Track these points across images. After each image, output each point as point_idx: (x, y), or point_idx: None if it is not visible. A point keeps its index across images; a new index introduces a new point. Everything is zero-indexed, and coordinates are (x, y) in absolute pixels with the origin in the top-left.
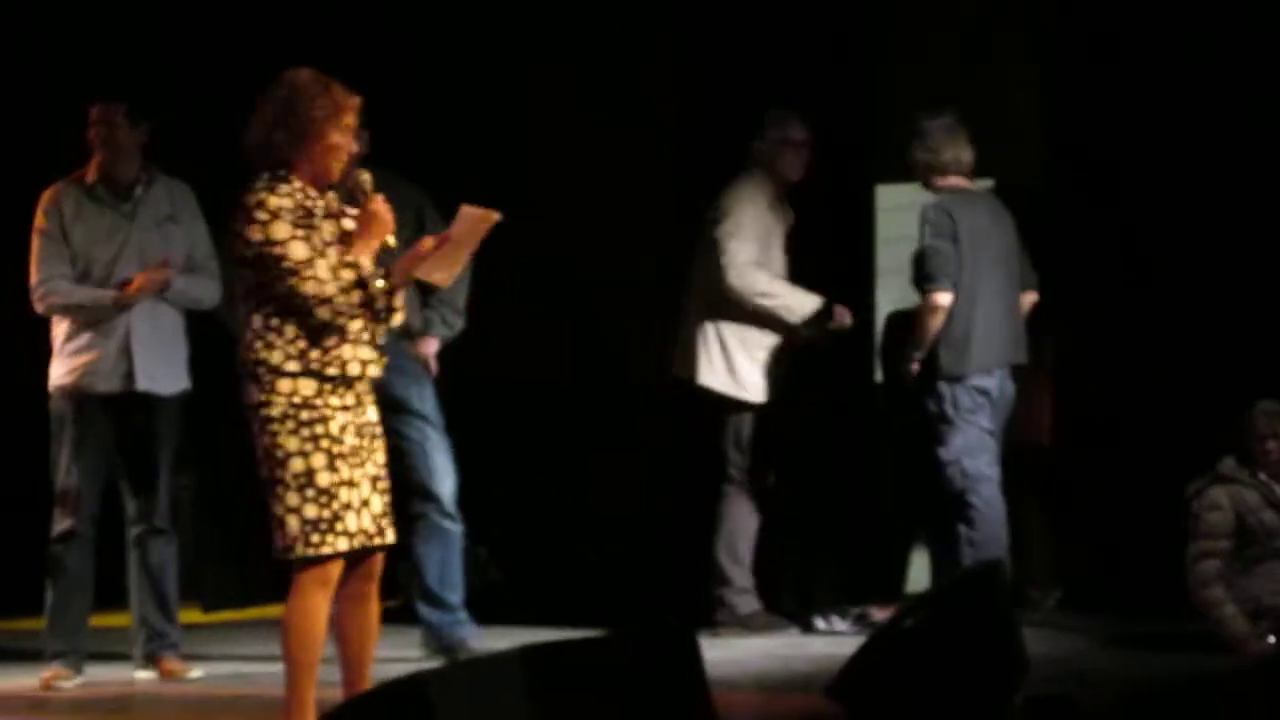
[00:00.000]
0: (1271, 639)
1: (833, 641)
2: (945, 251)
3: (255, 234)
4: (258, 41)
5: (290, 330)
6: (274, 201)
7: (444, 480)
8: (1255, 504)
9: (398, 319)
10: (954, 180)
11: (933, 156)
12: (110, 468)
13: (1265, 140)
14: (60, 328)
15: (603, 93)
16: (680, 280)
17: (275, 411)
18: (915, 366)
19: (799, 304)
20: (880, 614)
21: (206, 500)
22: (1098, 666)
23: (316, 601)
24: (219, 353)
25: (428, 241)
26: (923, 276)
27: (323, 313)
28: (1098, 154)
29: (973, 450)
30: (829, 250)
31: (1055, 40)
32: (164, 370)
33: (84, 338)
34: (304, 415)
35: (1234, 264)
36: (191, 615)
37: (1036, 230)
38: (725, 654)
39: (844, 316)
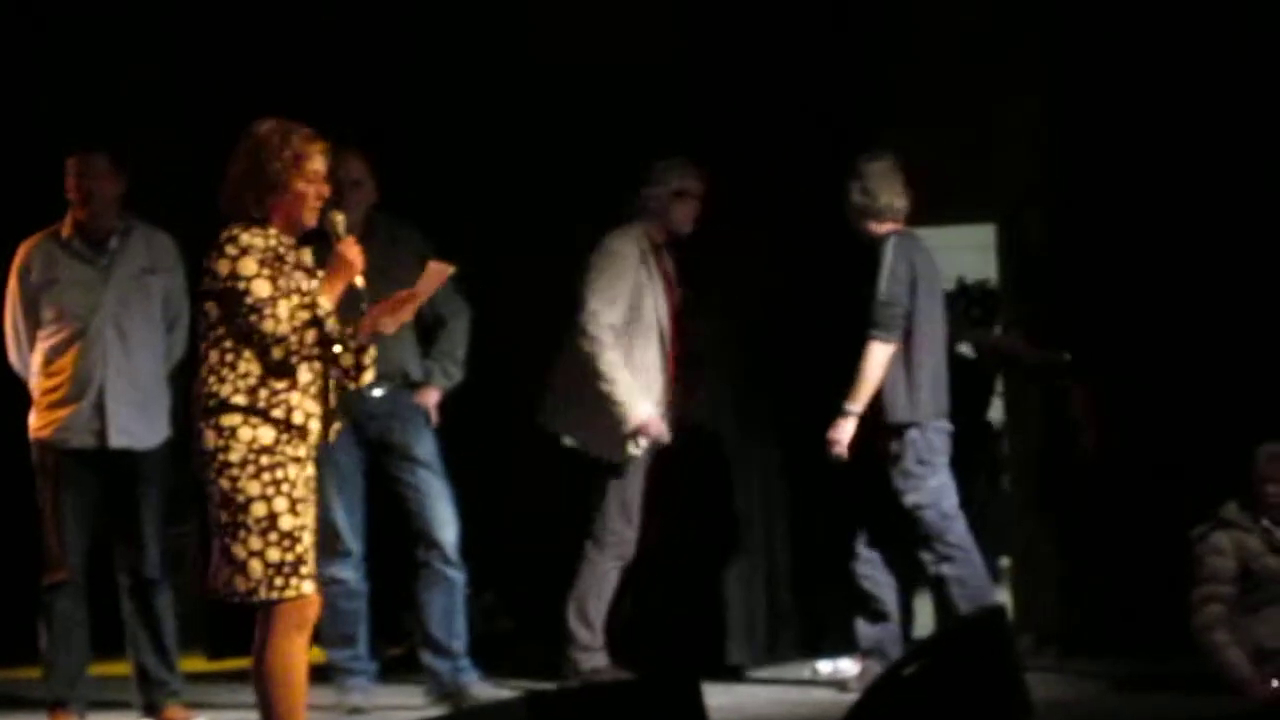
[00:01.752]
0: (1276, 682)
1: (837, 687)
2: (902, 301)
3: (223, 267)
4: (249, 83)
5: (243, 366)
6: (245, 239)
7: (446, 528)
8: (1258, 549)
9: (367, 378)
10: (891, 225)
11: (869, 200)
12: (95, 517)
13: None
14: (38, 379)
15: (604, 140)
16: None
17: (234, 457)
18: (854, 416)
19: (624, 411)
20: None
21: (209, 547)
22: (1102, 710)
23: (294, 644)
24: None
25: (400, 295)
26: (874, 323)
27: (277, 351)
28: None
29: (946, 491)
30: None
31: (1062, 65)
32: (140, 424)
33: (60, 391)
34: (264, 460)
35: (1250, 300)
36: (196, 663)
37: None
38: (729, 699)
39: (659, 436)
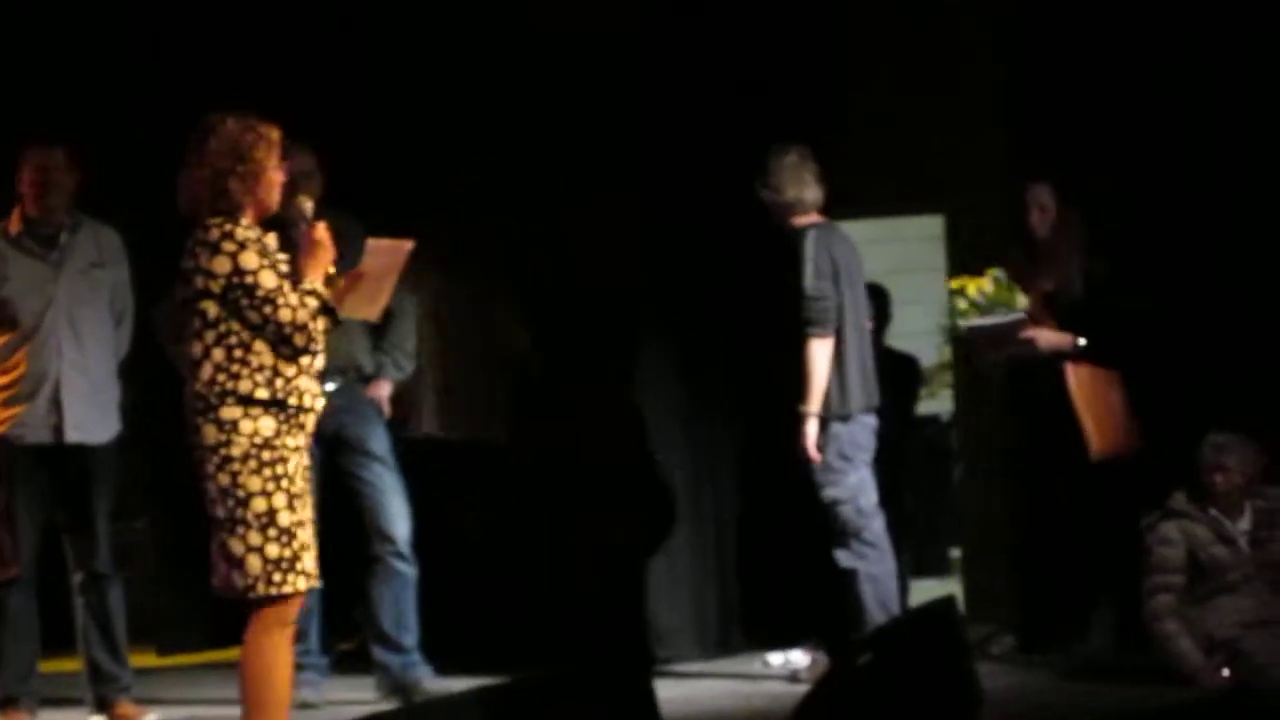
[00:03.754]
0: (1226, 672)
1: (789, 678)
2: (829, 293)
3: (222, 265)
4: (198, 78)
5: (255, 360)
6: (240, 233)
7: (399, 522)
8: (1206, 539)
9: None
10: (809, 218)
11: (776, 196)
12: (47, 514)
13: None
14: None
15: (571, 154)
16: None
17: (236, 451)
18: (812, 416)
19: None
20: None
21: (162, 543)
22: (1053, 700)
23: (278, 640)
24: (169, 394)
25: (339, 282)
26: (808, 320)
27: (298, 339)
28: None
29: (865, 488)
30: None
31: (1009, 65)
32: (94, 419)
33: (13, 388)
34: (265, 455)
35: (1196, 288)
36: (147, 659)
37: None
38: (680, 691)
39: None
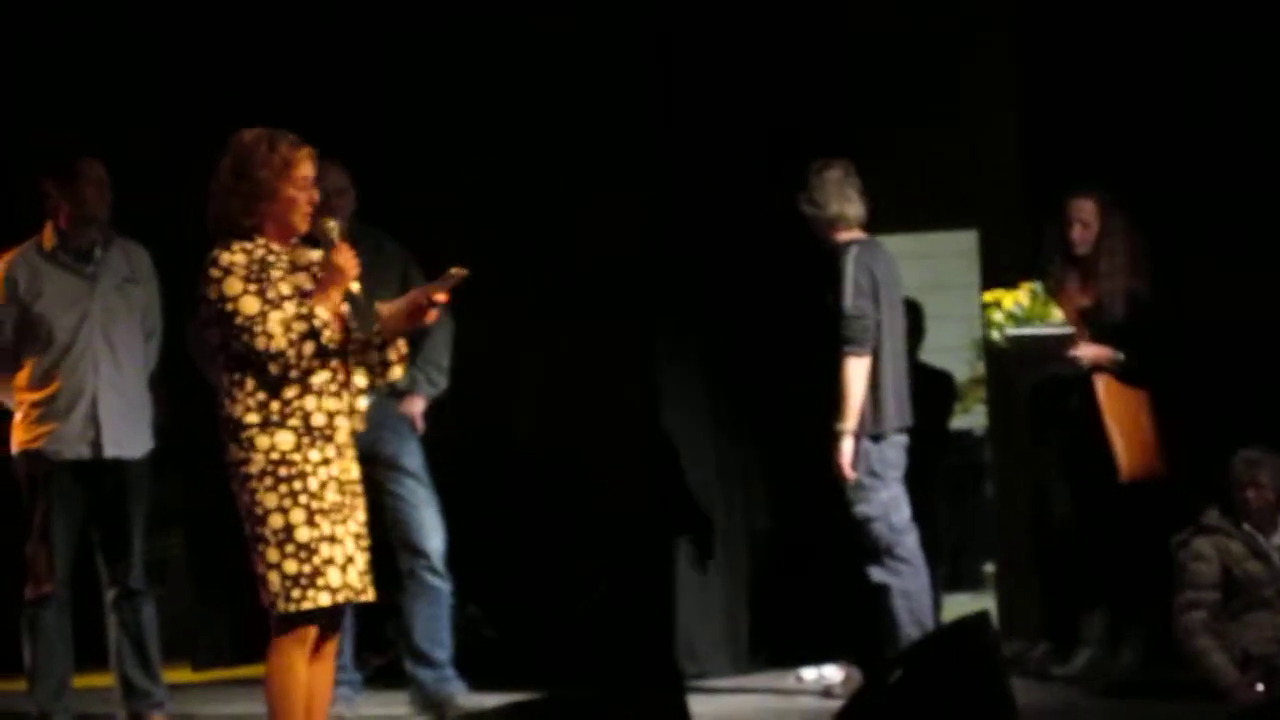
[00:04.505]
0: (1260, 687)
1: (822, 694)
2: (868, 312)
3: (212, 291)
4: (227, 94)
5: (249, 384)
6: (226, 258)
7: (432, 537)
8: (1240, 554)
9: (396, 373)
10: (851, 234)
11: (818, 211)
12: (82, 530)
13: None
14: (23, 392)
15: (582, 155)
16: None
17: (254, 469)
18: (849, 434)
19: None
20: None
21: (196, 558)
22: (1087, 717)
23: (294, 657)
24: (202, 411)
25: (411, 295)
26: (846, 339)
27: (274, 367)
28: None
29: (898, 504)
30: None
31: (1036, 79)
32: (130, 435)
33: (51, 404)
34: (281, 471)
35: (1226, 304)
36: (181, 674)
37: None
38: (713, 707)
39: None
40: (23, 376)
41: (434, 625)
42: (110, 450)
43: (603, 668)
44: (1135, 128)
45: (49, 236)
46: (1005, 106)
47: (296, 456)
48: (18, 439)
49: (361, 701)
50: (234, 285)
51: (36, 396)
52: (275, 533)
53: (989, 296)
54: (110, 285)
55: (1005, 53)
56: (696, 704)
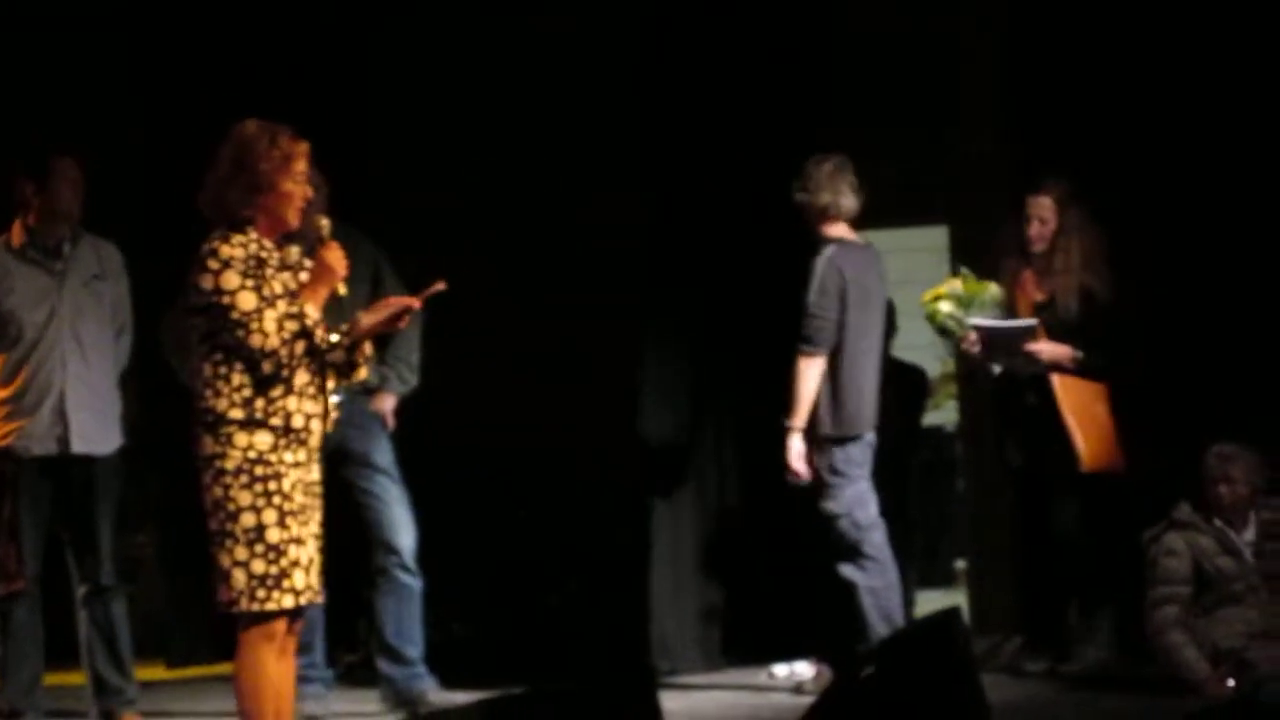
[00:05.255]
0: (1232, 682)
1: (794, 690)
2: (829, 314)
3: (207, 283)
4: (202, 90)
5: (236, 379)
6: (226, 251)
7: (404, 534)
8: (1211, 550)
9: (361, 374)
10: (837, 228)
11: (809, 199)
12: (51, 527)
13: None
14: None
15: (567, 149)
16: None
17: (230, 465)
18: (796, 431)
19: None
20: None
21: (168, 556)
22: (1058, 712)
23: (263, 656)
24: (173, 407)
25: (392, 303)
26: (802, 336)
27: (267, 366)
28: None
29: (863, 501)
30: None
31: (1010, 73)
32: (98, 430)
33: (19, 401)
34: (258, 470)
35: (1200, 299)
36: (155, 672)
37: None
38: (685, 704)
39: None
40: None
41: (405, 622)
42: (78, 446)
43: (575, 665)
44: (1111, 125)
45: (18, 233)
46: (978, 102)
47: (273, 457)
48: None
49: (333, 698)
50: (232, 279)
51: (4, 393)
52: (246, 531)
53: (928, 295)
54: (79, 282)
55: (981, 50)
56: (669, 700)
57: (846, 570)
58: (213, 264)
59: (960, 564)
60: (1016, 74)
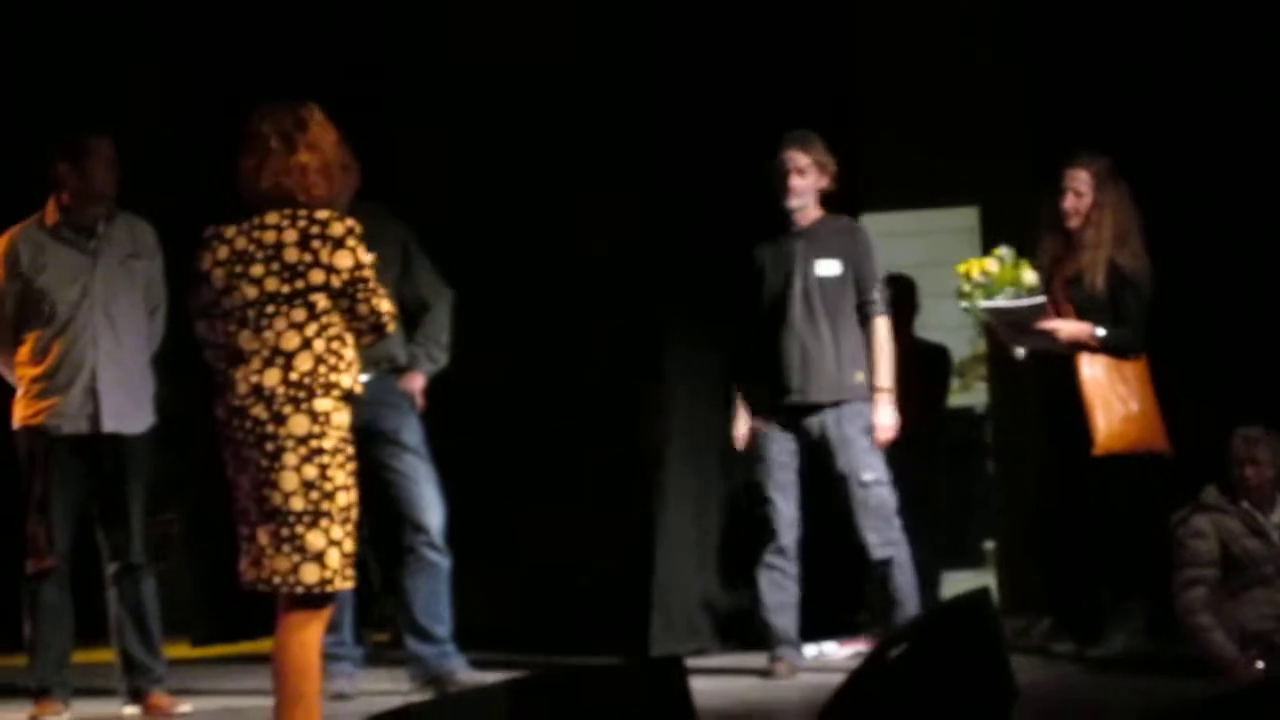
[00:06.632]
0: (1260, 664)
1: (824, 670)
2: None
3: (345, 260)
4: (231, 74)
5: (348, 354)
6: (359, 227)
7: (432, 512)
8: (1238, 532)
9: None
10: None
11: (837, 169)
12: (82, 505)
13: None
14: (24, 367)
15: (583, 137)
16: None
17: (328, 444)
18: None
19: None
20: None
21: (195, 534)
22: (1088, 693)
23: (318, 633)
24: (202, 388)
25: None
26: (884, 301)
27: (392, 326)
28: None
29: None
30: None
31: (1037, 55)
32: (130, 409)
33: (51, 378)
34: (349, 450)
35: (1225, 283)
36: (181, 650)
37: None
38: (714, 684)
39: None
40: (24, 352)
41: (433, 601)
42: (109, 425)
43: (604, 645)
44: (1142, 104)
45: (52, 212)
46: (1009, 82)
47: (350, 435)
48: (18, 414)
49: (362, 677)
50: (367, 253)
51: (37, 371)
52: (342, 510)
53: (961, 267)
54: (113, 261)
55: (1009, 30)
56: (696, 680)
57: (880, 546)
58: (351, 241)
59: (989, 544)
60: (1048, 53)
